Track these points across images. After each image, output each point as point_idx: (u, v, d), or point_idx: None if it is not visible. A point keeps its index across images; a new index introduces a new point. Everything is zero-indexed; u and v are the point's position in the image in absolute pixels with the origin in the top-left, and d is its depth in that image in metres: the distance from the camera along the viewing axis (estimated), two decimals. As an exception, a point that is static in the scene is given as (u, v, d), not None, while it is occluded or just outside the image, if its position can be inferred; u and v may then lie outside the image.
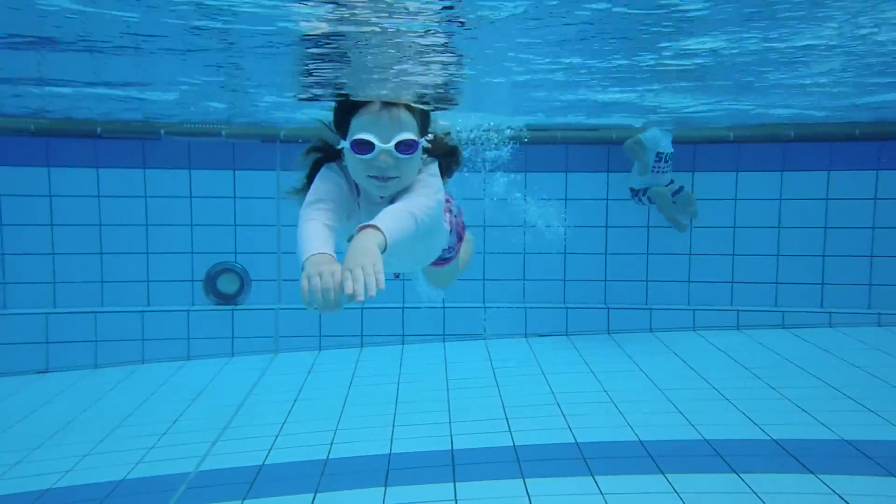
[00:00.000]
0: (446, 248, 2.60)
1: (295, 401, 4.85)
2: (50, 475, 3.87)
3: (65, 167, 5.66)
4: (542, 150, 5.85)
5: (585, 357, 5.49)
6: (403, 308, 5.99)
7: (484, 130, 5.21)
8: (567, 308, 6.07)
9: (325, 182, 2.10)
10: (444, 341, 6.03)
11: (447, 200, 2.50)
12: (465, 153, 2.45)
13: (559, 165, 5.95)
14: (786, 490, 3.23)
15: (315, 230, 1.90)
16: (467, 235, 2.82)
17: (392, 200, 2.10)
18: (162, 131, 5.64)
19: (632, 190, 5.85)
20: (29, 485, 3.80)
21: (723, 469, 3.48)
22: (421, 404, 4.71)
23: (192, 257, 5.88)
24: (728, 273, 5.98)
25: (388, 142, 2.04)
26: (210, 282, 5.90)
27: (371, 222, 1.83)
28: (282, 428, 4.37)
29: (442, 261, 2.65)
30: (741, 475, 3.37)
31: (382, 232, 1.80)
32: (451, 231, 2.58)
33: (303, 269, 1.74)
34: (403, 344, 6.01)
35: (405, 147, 2.05)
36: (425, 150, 2.18)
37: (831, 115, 5.12)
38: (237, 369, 5.66)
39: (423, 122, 2.21)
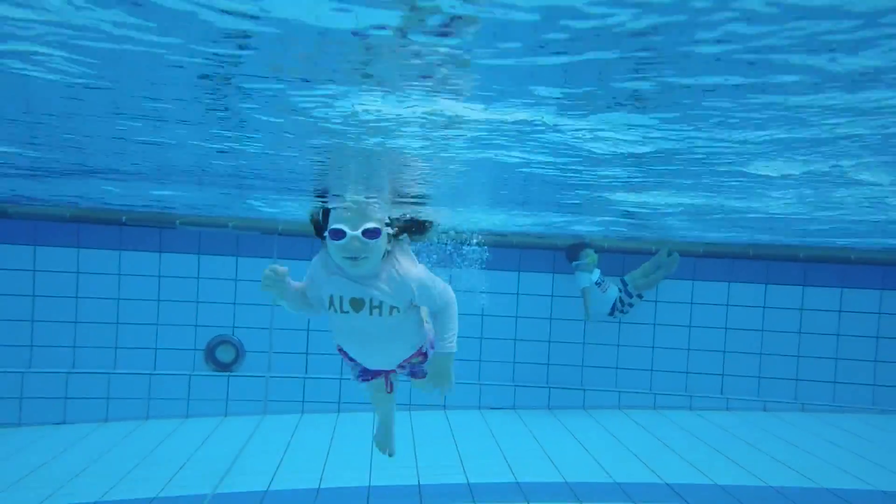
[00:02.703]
0: (422, 352, 2.90)
1: (283, 455, 5.71)
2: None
3: (92, 248, 6.51)
4: (500, 252, 6.99)
5: (531, 428, 6.51)
6: (375, 380, 6.92)
7: (455, 233, 6.29)
8: (515, 386, 7.11)
9: (312, 269, 2.67)
10: (409, 410, 6.95)
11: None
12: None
13: (513, 265, 7.08)
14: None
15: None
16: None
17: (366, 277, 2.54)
18: (177, 222, 6.57)
19: (609, 315, 6.71)
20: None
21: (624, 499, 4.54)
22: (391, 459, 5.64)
23: (195, 329, 6.72)
24: (648, 363, 7.12)
25: (356, 229, 2.45)
26: (210, 351, 6.75)
27: (441, 347, 2.67)
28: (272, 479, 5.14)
29: (415, 373, 3.00)
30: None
31: (448, 343, 2.65)
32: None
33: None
34: (374, 412, 6.89)
35: (370, 234, 2.46)
36: (391, 234, 2.58)
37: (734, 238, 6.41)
38: (231, 428, 6.45)
39: (385, 216, 2.61)
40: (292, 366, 6.82)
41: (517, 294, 7.04)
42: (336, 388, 6.87)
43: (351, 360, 2.88)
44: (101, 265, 6.54)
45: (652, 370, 7.09)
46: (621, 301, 6.73)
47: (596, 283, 6.64)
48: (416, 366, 2.92)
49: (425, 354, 2.89)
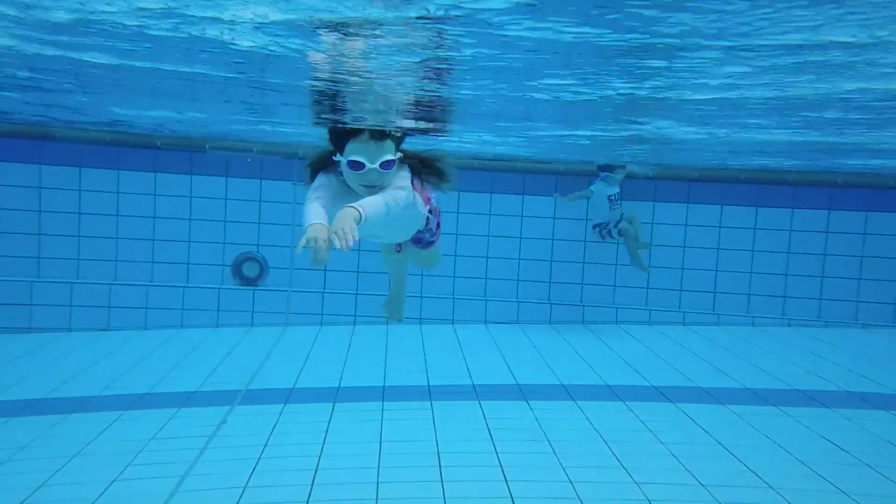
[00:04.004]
0: (428, 228, 3.17)
1: (305, 360, 6.32)
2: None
3: (130, 171, 7.07)
4: (505, 176, 7.42)
5: (532, 340, 7.06)
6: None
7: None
8: (518, 302, 7.64)
9: (321, 181, 2.76)
10: (420, 324, 7.51)
11: (428, 197, 3.09)
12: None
13: (518, 189, 7.51)
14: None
15: (314, 209, 2.56)
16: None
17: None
18: (207, 146, 7.07)
19: (596, 226, 7.17)
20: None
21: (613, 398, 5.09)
22: (404, 361, 6.24)
23: (223, 247, 7.30)
24: (644, 280, 7.58)
25: (374, 162, 2.66)
26: (237, 267, 7.33)
27: (352, 204, 2.49)
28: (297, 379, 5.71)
29: (428, 243, 3.30)
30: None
31: (358, 209, 2.46)
32: (431, 213, 3.14)
33: (305, 231, 2.42)
34: (388, 324, 7.45)
35: (386, 165, 2.69)
36: (400, 161, 2.78)
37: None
38: (256, 337, 7.02)
39: (399, 142, 2.79)
40: (312, 281, 7.38)
41: (521, 216, 7.49)
42: (352, 302, 7.43)
43: None
44: (138, 186, 7.11)
45: (648, 288, 7.56)
46: (609, 230, 7.13)
47: (609, 197, 7.06)
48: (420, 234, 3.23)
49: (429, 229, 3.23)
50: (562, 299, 7.59)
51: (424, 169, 2.92)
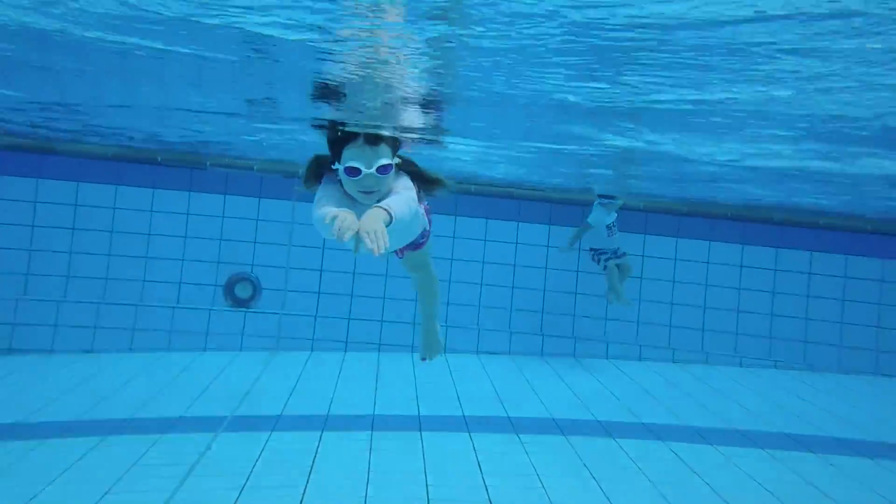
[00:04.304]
0: (423, 231, 3.19)
1: (295, 386, 6.22)
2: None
3: (129, 186, 7.03)
4: (501, 202, 7.45)
5: (524, 372, 7.03)
6: (382, 322, 7.46)
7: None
8: (511, 332, 7.62)
9: (326, 189, 2.77)
10: (412, 352, 7.45)
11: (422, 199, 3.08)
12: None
13: (513, 215, 7.53)
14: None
15: (329, 209, 2.49)
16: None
17: (378, 201, 2.61)
18: (207, 163, 7.06)
19: (592, 249, 7.20)
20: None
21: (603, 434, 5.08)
22: (395, 389, 6.20)
23: (217, 266, 7.24)
24: (635, 315, 7.60)
25: (370, 167, 2.65)
26: (229, 287, 7.29)
27: (379, 205, 2.44)
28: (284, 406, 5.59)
29: (418, 245, 3.27)
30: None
31: (387, 210, 2.42)
32: (426, 215, 3.18)
33: (328, 223, 2.32)
34: (380, 352, 7.37)
35: (383, 169, 2.68)
36: (397, 167, 2.77)
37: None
38: (245, 362, 6.84)
39: (395, 147, 2.79)
40: (304, 304, 7.35)
41: (516, 243, 7.51)
42: (345, 327, 7.40)
43: None
44: (136, 202, 7.08)
45: (638, 322, 7.59)
46: (606, 256, 7.16)
47: (607, 226, 7.08)
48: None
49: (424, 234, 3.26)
50: (554, 331, 7.59)
51: (421, 175, 2.94)
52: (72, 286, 7.03)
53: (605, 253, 7.14)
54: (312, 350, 7.36)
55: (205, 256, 7.22)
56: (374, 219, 2.33)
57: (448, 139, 4.68)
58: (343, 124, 3.46)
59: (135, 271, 7.11)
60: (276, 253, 7.26)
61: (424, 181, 2.97)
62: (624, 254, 7.22)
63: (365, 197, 2.70)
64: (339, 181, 2.77)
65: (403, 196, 2.65)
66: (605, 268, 7.13)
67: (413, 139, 4.23)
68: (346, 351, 7.40)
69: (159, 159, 6.97)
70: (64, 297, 7.02)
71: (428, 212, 3.22)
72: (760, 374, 7.35)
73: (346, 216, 2.29)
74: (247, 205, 7.24)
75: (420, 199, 2.98)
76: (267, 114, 4.55)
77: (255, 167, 7.08)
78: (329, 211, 2.36)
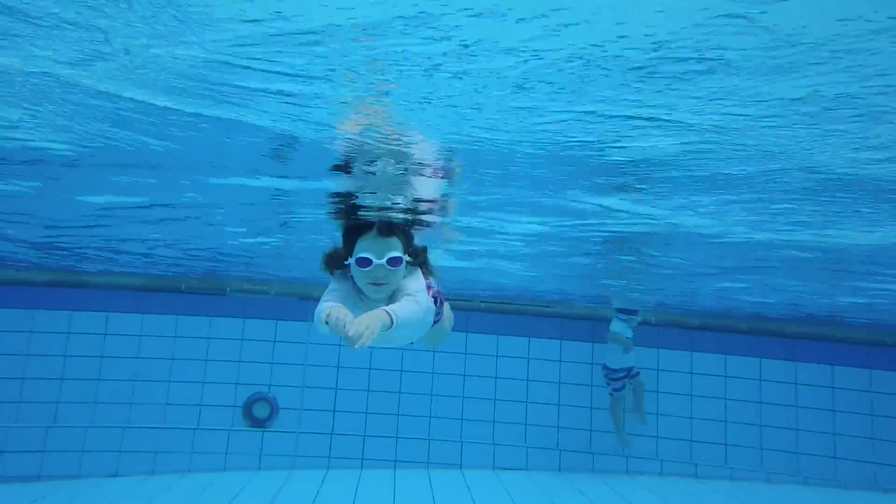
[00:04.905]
0: (437, 314, 3.19)
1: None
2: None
3: (153, 314, 7.42)
4: (511, 318, 7.56)
5: (543, 488, 6.91)
6: (397, 438, 7.51)
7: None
8: (527, 447, 7.55)
9: (334, 286, 2.81)
10: (428, 468, 7.46)
11: (429, 285, 3.04)
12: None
13: (524, 331, 7.62)
14: None
15: (331, 306, 2.48)
16: (446, 307, 3.42)
17: (389, 300, 2.70)
18: (227, 289, 7.43)
19: (606, 368, 7.14)
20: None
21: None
22: (411, 497, 6.18)
23: (236, 387, 7.50)
24: (654, 430, 7.47)
25: (381, 258, 2.71)
26: (248, 408, 7.47)
27: (385, 308, 2.43)
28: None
29: (433, 323, 3.23)
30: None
31: (391, 314, 2.41)
32: (435, 302, 3.14)
33: (326, 312, 2.34)
34: (395, 468, 7.46)
35: (393, 262, 2.73)
36: (408, 262, 2.82)
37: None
38: (263, 481, 6.98)
39: (407, 241, 2.86)
40: (321, 422, 7.47)
41: (528, 358, 7.55)
42: (360, 444, 7.46)
43: None
44: (160, 329, 7.42)
45: (658, 437, 7.44)
46: (618, 375, 7.11)
47: (624, 340, 7.04)
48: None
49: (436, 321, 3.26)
50: (571, 446, 7.50)
51: (427, 265, 3.00)
52: (98, 412, 7.31)
53: (618, 373, 7.10)
54: (329, 468, 7.40)
55: (224, 378, 7.45)
56: (371, 318, 2.31)
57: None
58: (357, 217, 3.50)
59: (158, 395, 7.37)
60: (292, 372, 7.47)
61: (429, 270, 3.03)
62: (637, 373, 7.18)
63: (374, 290, 2.74)
64: (351, 277, 2.81)
65: (412, 299, 2.66)
66: (611, 395, 7.07)
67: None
68: (361, 468, 7.42)
69: (183, 287, 7.33)
70: (91, 422, 7.28)
71: (438, 295, 3.22)
72: (786, 490, 7.08)
73: (339, 311, 2.30)
74: (264, 327, 7.51)
75: (429, 287, 2.99)
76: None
77: (272, 291, 7.37)
78: (327, 306, 2.38)
